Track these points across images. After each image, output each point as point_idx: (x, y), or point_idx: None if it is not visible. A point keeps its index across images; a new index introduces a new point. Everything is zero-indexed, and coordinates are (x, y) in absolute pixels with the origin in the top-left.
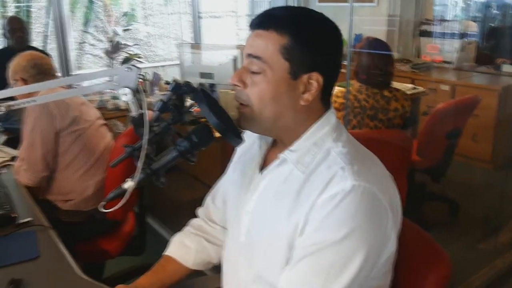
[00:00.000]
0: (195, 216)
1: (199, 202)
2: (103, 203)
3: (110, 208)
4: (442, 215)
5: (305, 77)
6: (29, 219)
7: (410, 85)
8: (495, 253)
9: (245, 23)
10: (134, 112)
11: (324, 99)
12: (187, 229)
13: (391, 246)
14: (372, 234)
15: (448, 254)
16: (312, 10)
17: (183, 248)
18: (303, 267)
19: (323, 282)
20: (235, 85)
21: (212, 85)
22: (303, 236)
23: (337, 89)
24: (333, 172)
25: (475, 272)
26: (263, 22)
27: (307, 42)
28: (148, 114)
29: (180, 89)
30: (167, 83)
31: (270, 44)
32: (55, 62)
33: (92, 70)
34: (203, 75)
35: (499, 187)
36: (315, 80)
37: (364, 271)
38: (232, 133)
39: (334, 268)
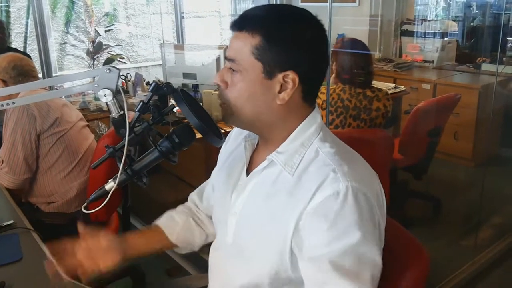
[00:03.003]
0: None
1: (183, 202)
2: (85, 204)
3: (93, 209)
4: (424, 212)
5: (280, 76)
6: (11, 221)
7: (392, 84)
8: (475, 249)
9: (228, 23)
10: (114, 114)
11: (307, 98)
12: (179, 207)
13: (381, 242)
14: (373, 232)
15: (430, 251)
16: (293, 7)
17: (171, 221)
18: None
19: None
20: (218, 84)
21: (195, 86)
22: (299, 238)
23: (320, 88)
24: (325, 173)
25: (456, 269)
26: (239, 23)
27: (279, 41)
28: (129, 115)
29: (160, 89)
30: (148, 84)
31: (243, 45)
32: (36, 63)
33: (73, 71)
34: (186, 75)
35: (480, 184)
36: (290, 79)
37: (379, 263)
38: (212, 133)
39: (359, 266)
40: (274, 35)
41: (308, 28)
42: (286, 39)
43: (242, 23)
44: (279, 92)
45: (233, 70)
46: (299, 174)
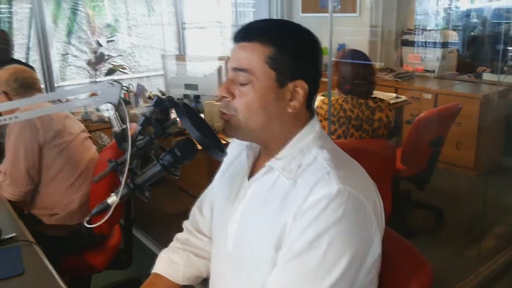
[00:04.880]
0: (181, 228)
1: (186, 213)
2: (87, 218)
3: (95, 223)
4: (426, 222)
5: (291, 85)
6: (13, 234)
7: (394, 94)
8: (479, 260)
9: (230, 33)
10: (116, 128)
11: (309, 106)
12: (173, 244)
13: (375, 249)
14: (357, 238)
15: (433, 261)
16: (290, 21)
17: (172, 265)
18: (291, 269)
19: (310, 284)
20: (224, 97)
21: (197, 96)
22: (290, 238)
23: (323, 98)
24: (319, 176)
25: (460, 280)
26: (247, 34)
27: (291, 51)
28: (131, 128)
29: (162, 104)
30: (150, 98)
31: (255, 55)
32: (38, 74)
33: (75, 81)
34: (188, 86)
35: (482, 194)
36: (300, 87)
37: (349, 274)
38: (214, 147)
39: (321, 270)
40: (286, 44)
41: (311, 39)
42: (297, 49)
43: (251, 34)
44: (290, 100)
45: (240, 83)
46: (295, 178)
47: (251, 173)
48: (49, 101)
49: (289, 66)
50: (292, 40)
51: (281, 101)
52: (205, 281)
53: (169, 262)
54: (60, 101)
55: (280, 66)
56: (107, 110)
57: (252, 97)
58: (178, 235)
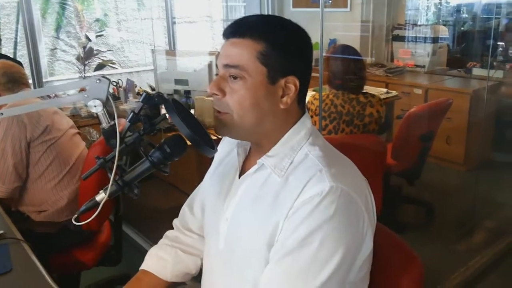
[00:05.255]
0: (172, 224)
1: (176, 209)
2: (76, 216)
3: (84, 221)
4: (417, 217)
5: (282, 81)
6: (1, 232)
7: (384, 89)
8: (469, 254)
9: (220, 28)
10: (104, 124)
11: (300, 103)
12: (162, 241)
13: (367, 246)
14: (349, 235)
15: (424, 256)
16: (281, 17)
17: (160, 261)
18: (283, 266)
19: (302, 281)
20: (214, 94)
21: (187, 92)
22: (283, 235)
23: (314, 93)
24: (311, 173)
25: (450, 274)
26: (238, 30)
27: (283, 47)
28: (120, 124)
29: (151, 100)
30: (139, 94)
31: (247, 51)
32: (26, 69)
33: (64, 76)
34: (178, 81)
35: (472, 189)
36: (292, 83)
37: (341, 270)
38: (204, 144)
39: (313, 267)
40: (278, 41)
41: (302, 35)
42: (288, 45)
43: (242, 30)
44: (282, 96)
45: (233, 77)
46: (287, 176)
47: (242, 171)
48: (37, 97)
49: (280, 62)
50: (283, 36)
51: (273, 97)
52: (196, 278)
53: (157, 259)
54: (48, 96)
55: (272, 62)
56: (95, 106)
57: (243, 94)
58: (168, 233)
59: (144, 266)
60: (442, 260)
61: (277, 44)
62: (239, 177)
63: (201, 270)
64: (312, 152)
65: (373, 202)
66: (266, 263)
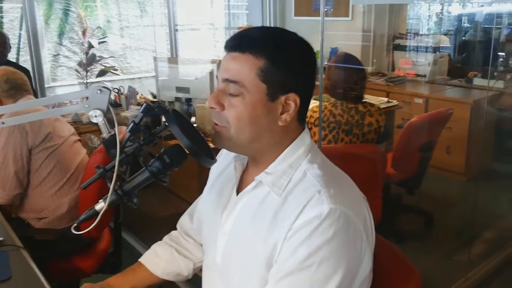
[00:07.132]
0: (171, 231)
1: (176, 217)
2: (75, 224)
3: (83, 229)
4: (417, 227)
5: (282, 98)
6: (0, 239)
7: (385, 99)
8: (469, 264)
9: (222, 35)
10: (105, 134)
11: (300, 119)
12: (165, 238)
13: (366, 265)
14: (347, 256)
15: (423, 266)
16: (286, 30)
17: (155, 257)
18: (283, 287)
19: None
20: (212, 107)
21: (188, 99)
22: (282, 256)
23: (313, 104)
24: (310, 195)
25: (449, 284)
26: (239, 44)
27: (284, 64)
28: (121, 132)
29: (151, 110)
30: (139, 104)
31: (247, 67)
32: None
33: (66, 82)
34: (180, 89)
35: (472, 199)
36: (292, 101)
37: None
38: (204, 154)
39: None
40: (279, 57)
41: (305, 51)
42: (289, 62)
43: (243, 45)
44: (281, 114)
45: (230, 95)
46: (285, 195)
47: (240, 184)
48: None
49: (281, 80)
50: (285, 52)
51: (272, 114)
52: (192, 283)
53: (153, 254)
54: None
55: (272, 79)
56: (95, 116)
57: (241, 110)
58: (173, 232)
59: (141, 258)
60: (441, 271)
61: (278, 61)
62: (237, 192)
63: (200, 279)
64: (311, 171)
65: (371, 221)
66: (263, 282)
